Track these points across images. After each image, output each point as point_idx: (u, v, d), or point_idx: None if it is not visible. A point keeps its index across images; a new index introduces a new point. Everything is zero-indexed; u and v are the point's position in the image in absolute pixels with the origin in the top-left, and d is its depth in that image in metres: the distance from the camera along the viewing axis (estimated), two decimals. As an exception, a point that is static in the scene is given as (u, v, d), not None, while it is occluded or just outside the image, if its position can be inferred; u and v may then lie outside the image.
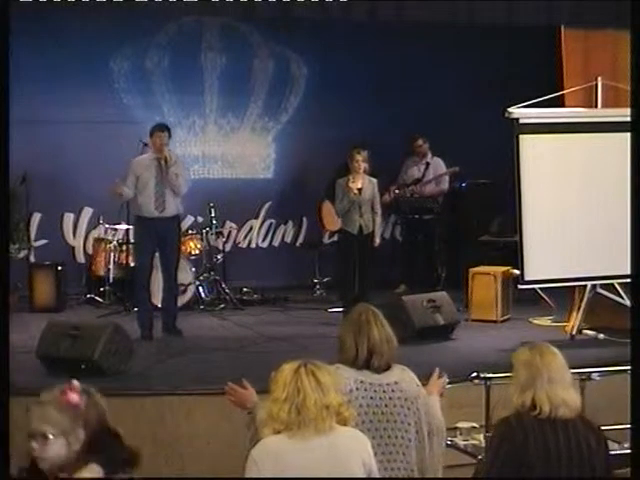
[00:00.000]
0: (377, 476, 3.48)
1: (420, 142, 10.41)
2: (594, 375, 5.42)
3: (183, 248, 8.96)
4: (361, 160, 8.75)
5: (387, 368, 3.91)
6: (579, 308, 8.21)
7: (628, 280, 6.34)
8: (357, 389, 3.79)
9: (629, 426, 3.96)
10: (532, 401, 3.56)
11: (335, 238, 10.35)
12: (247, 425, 3.90)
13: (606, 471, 3.60)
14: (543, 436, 3.52)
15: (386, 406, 3.82)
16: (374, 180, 8.87)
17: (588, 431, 3.58)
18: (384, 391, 3.85)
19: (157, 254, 8.15)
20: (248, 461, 3.32)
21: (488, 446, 3.75)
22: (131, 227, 9.27)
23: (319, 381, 3.34)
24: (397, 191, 10.39)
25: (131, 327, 7.48)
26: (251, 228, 10.98)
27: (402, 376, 3.93)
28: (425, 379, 4.31)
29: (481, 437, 4.95)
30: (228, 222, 10.61)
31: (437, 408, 4.08)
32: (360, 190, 8.72)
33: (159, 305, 8.39)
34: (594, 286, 8.16)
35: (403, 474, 3.80)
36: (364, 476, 3.39)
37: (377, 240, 8.86)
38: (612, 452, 4.76)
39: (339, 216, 8.98)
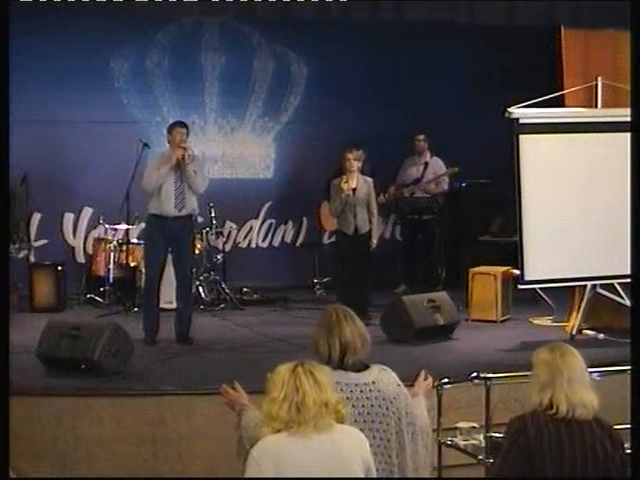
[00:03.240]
0: (374, 473, 3.49)
1: (420, 137, 10.38)
2: (594, 375, 5.41)
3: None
4: (352, 159, 8.71)
5: (364, 368, 3.88)
6: (579, 308, 8.21)
7: (628, 280, 6.34)
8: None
9: (629, 426, 3.96)
10: (550, 400, 3.56)
11: (334, 238, 10.37)
12: (235, 427, 3.95)
13: (622, 473, 3.59)
14: (558, 436, 3.52)
15: (363, 406, 3.78)
16: (369, 180, 8.83)
17: (604, 433, 3.58)
18: (361, 391, 3.81)
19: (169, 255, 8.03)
20: (248, 461, 3.33)
21: (502, 442, 3.74)
22: (131, 227, 9.27)
23: (317, 379, 3.35)
24: (393, 192, 10.37)
25: (131, 327, 7.47)
26: (251, 228, 10.98)
27: (380, 376, 3.89)
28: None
29: (481, 437, 4.95)
30: (228, 222, 10.62)
31: (423, 409, 4.07)
32: (354, 190, 8.69)
33: (160, 306, 8.37)
34: (594, 286, 8.16)
35: (382, 474, 3.76)
36: (363, 473, 3.39)
37: (374, 241, 8.82)
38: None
39: (333, 216, 8.97)
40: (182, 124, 8.07)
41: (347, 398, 3.75)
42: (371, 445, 3.62)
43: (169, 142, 7.97)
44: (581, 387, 3.58)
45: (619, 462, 3.58)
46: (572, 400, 3.55)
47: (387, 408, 3.83)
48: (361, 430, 3.65)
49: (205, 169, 8.38)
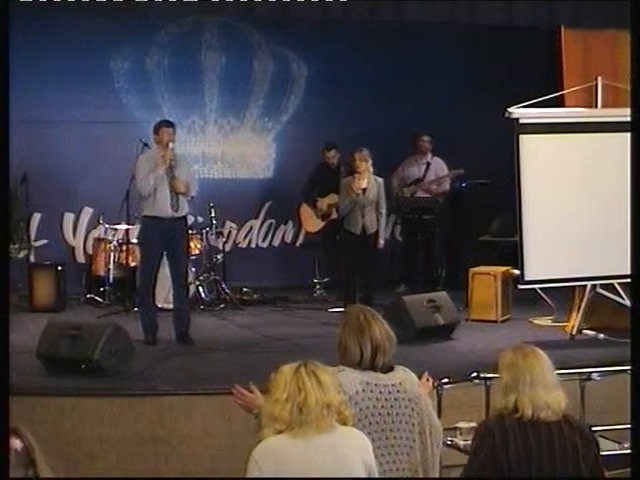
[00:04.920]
0: (377, 475, 3.48)
1: (425, 138, 10.38)
2: (594, 375, 5.43)
3: (184, 248, 8.93)
4: (358, 160, 8.72)
5: (390, 369, 3.90)
6: (579, 308, 8.21)
7: (628, 280, 6.33)
8: (363, 390, 3.77)
9: (629, 426, 3.96)
10: (514, 404, 3.55)
11: (321, 238, 10.36)
12: (255, 429, 3.86)
13: (596, 472, 3.56)
14: (524, 439, 3.50)
15: (391, 407, 3.81)
16: (380, 180, 8.85)
17: (574, 432, 3.55)
18: (389, 392, 3.83)
19: (164, 256, 8.00)
20: (250, 461, 3.32)
21: (470, 447, 3.75)
22: (131, 227, 9.26)
23: (320, 380, 3.34)
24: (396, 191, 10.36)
25: (131, 327, 7.47)
26: (251, 228, 10.97)
27: (404, 377, 3.92)
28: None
29: (481, 437, 4.95)
30: (228, 222, 10.61)
31: (431, 409, 4.09)
32: (364, 190, 8.70)
33: (159, 305, 8.37)
34: (594, 286, 8.16)
35: (408, 474, 3.79)
36: (365, 475, 3.39)
37: (381, 241, 8.85)
38: (612, 452, 4.78)
39: (341, 215, 8.96)
40: (168, 123, 8.00)
41: (377, 399, 3.78)
42: (398, 445, 3.68)
43: (156, 142, 7.92)
44: (544, 389, 3.55)
45: (592, 460, 3.56)
46: (536, 403, 3.53)
47: (412, 409, 3.86)
48: (389, 430, 3.67)
49: (192, 171, 8.31)
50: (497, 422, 3.57)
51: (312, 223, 10.07)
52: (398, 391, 3.85)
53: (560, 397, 3.58)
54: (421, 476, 3.84)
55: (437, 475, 4.03)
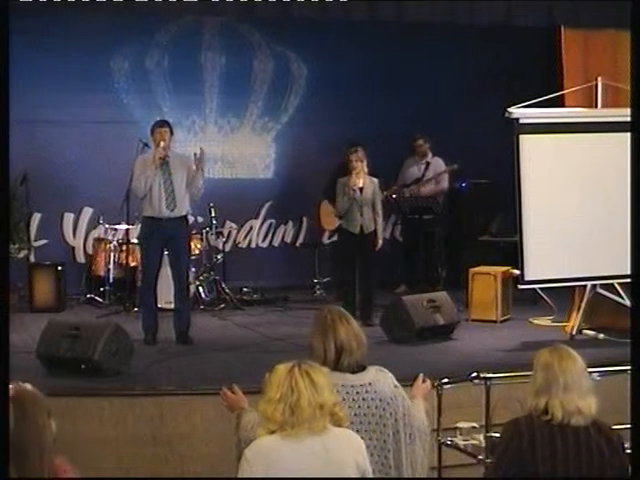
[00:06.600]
0: (371, 476, 3.46)
1: (421, 142, 10.41)
2: (594, 375, 5.41)
3: (183, 248, 8.92)
4: (355, 160, 8.72)
5: (361, 369, 3.87)
6: (579, 308, 8.21)
7: (628, 280, 6.34)
8: None
9: (629, 426, 3.95)
10: (545, 406, 3.53)
11: (336, 237, 10.36)
12: (234, 429, 3.95)
13: (622, 476, 3.55)
14: (551, 442, 3.48)
15: (359, 407, 3.78)
16: (375, 180, 8.85)
17: (601, 438, 3.53)
18: (357, 392, 3.80)
19: (164, 256, 8.01)
20: (241, 461, 3.32)
21: (497, 445, 3.73)
22: (131, 227, 9.26)
23: (313, 381, 3.32)
24: (394, 195, 10.35)
25: (131, 327, 7.47)
26: (251, 228, 10.98)
27: (377, 377, 3.88)
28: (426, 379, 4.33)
29: (481, 437, 4.95)
30: (228, 222, 10.61)
31: (421, 411, 4.06)
32: (361, 189, 8.71)
33: (159, 305, 8.37)
34: (594, 286, 8.16)
35: (377, 475, 3.75)
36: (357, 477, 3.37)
37: (380, 241, 8.84)
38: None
39: (340, 215, 8.96)
40: (162, 123, 7.98)
41: (343, 399, 3.73)
42: (367, 446, 3.61)
43: (153, 142, 7.93)
44: (578, 394, 3.53)
45: (618, 465, 3.54)
46: (567, 408, 3.50)
47: (384, 409, 3.83)
48: (357, 431, 3.64)
49: (193, 170, 8.28)
50: (527, 423, 3.54)
51: (330, 221, 10.04)
52: (367, 391, 3.81)
53: (593, 402, 3.55)
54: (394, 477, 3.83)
55: (424, 475, 4.02)
